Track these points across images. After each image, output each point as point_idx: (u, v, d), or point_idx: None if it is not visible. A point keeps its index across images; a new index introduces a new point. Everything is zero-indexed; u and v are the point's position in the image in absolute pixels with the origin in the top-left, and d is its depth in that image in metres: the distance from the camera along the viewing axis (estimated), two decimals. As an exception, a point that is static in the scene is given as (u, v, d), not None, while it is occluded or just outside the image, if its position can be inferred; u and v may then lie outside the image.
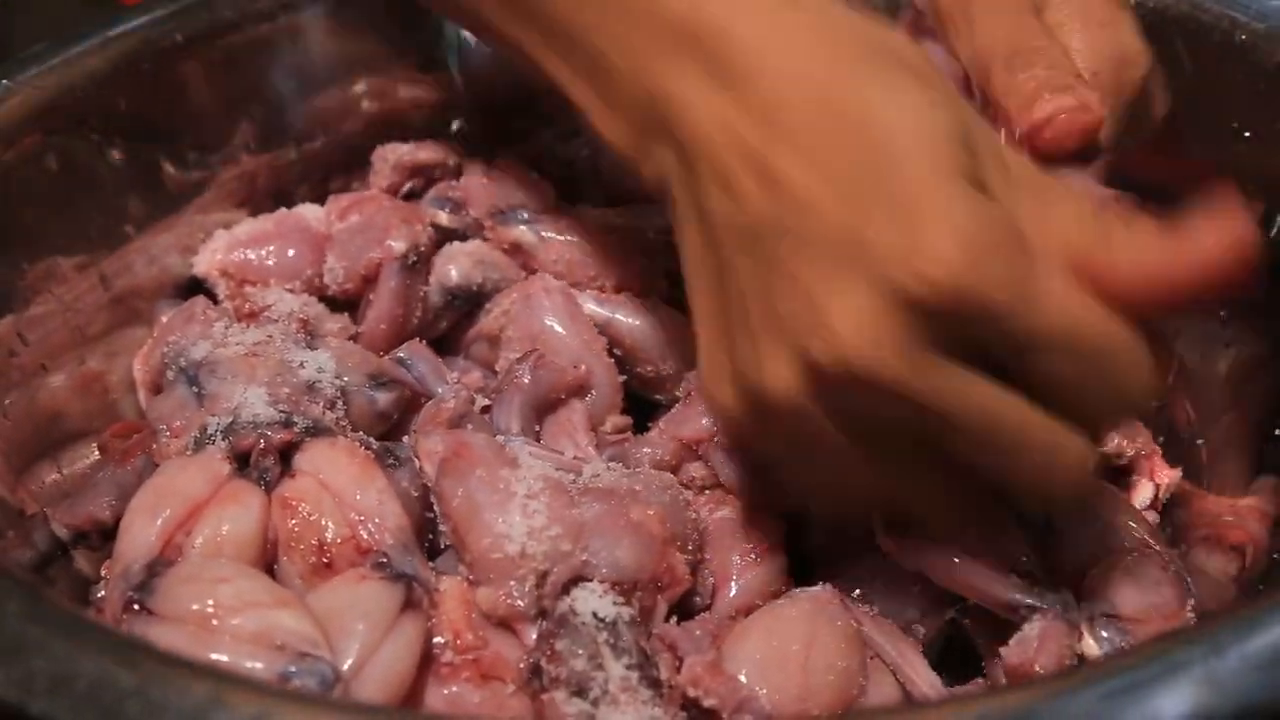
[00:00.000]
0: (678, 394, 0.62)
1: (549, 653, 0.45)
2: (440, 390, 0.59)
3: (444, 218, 0.69)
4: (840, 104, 0.42)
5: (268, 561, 0.49)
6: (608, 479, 0.51)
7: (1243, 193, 0.42)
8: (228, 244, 0.67)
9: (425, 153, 0.72)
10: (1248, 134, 0.62)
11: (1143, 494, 0.57)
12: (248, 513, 0.49)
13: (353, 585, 0.46)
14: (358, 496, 0.49)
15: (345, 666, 0.43)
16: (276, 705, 0.37)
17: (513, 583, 0.47)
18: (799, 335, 0.42)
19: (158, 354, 0.59)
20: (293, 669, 0.41)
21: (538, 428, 0.58)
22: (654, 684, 0.44)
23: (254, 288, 0.64)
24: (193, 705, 0.36)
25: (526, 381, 0.57)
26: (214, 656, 0.42)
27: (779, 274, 0.42)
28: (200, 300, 0.62)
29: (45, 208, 0.63)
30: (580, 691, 0.44)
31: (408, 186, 0.72)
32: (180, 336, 0.58)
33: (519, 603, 0.46)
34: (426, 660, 0.45)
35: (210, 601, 0.44)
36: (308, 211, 0.69)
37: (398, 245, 0.64)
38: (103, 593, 0.50)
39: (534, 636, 0.46)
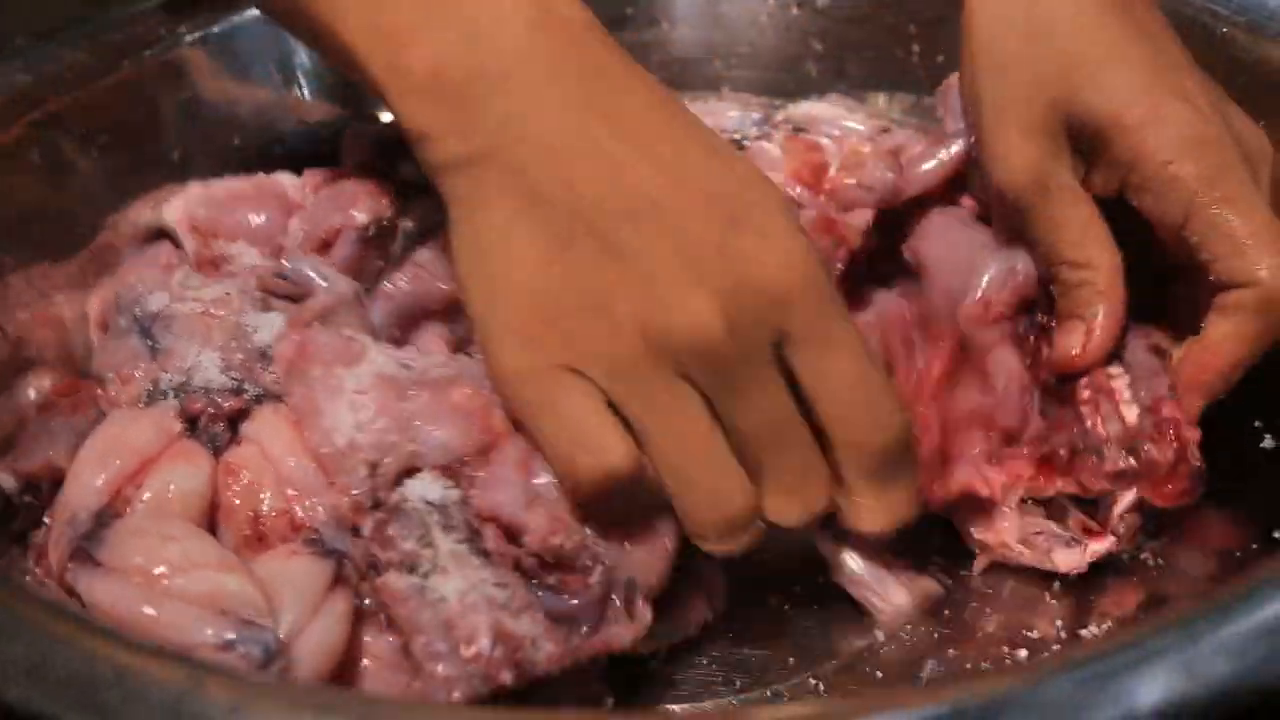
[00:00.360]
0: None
1: (381, 539, 0.47)
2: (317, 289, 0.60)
3: (413, 172, 0.69)
4: None
5: (209, 526, 0.50)
6: (434, 372, 0.53)
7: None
8: (201, 197, 0.67)
9: (397, 130, 0.72)
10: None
11: (1127, 497, 0.57)
12: (198, 473, 0.50)
13: (284, 559, 0.47)
14: (291, 463, 0.50)
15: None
16: (253, 696, 0.38)
17: (346, 476, 0.49)
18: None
19: (110, 294, 0.60)
20: (234, 636, 0.43)
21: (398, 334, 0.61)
22: (483, 554, 0.48)
23: (222, 240, 0.64)
24: (171, 695, 0.37)
25: (397, 288, 0.62)
26: (155, 613, 0.43)
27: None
28: (165, 246, 0.63)
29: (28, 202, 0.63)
30: (411, 568, 0.47)
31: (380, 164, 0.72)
32: (138, 280, 0.59)
33: (355, 494, 0.49)
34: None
35: (157, 557, 0.45)
36: (285, 180, 0.69)
37: (360, 216, 0.65)
38: (38, 539, 0.50)
39: (367, 528, 0.48)
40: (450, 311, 0.62)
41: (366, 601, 0.47)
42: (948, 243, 0.62)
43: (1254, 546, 0.55)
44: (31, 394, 0.58)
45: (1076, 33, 0.55)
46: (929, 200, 0.64)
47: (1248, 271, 0.52)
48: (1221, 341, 0.54)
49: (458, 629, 0.45)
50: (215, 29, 0.71)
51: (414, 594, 0.46)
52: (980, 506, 0.57)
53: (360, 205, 0.65)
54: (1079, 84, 0.54)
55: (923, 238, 0.63)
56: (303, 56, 0.74)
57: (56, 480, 0.53)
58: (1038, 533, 0.57)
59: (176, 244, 0.65)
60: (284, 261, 0.61)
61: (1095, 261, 0.55)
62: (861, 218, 0.63)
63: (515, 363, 0.49)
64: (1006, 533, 0.57)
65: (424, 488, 0.49)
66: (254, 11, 0.72)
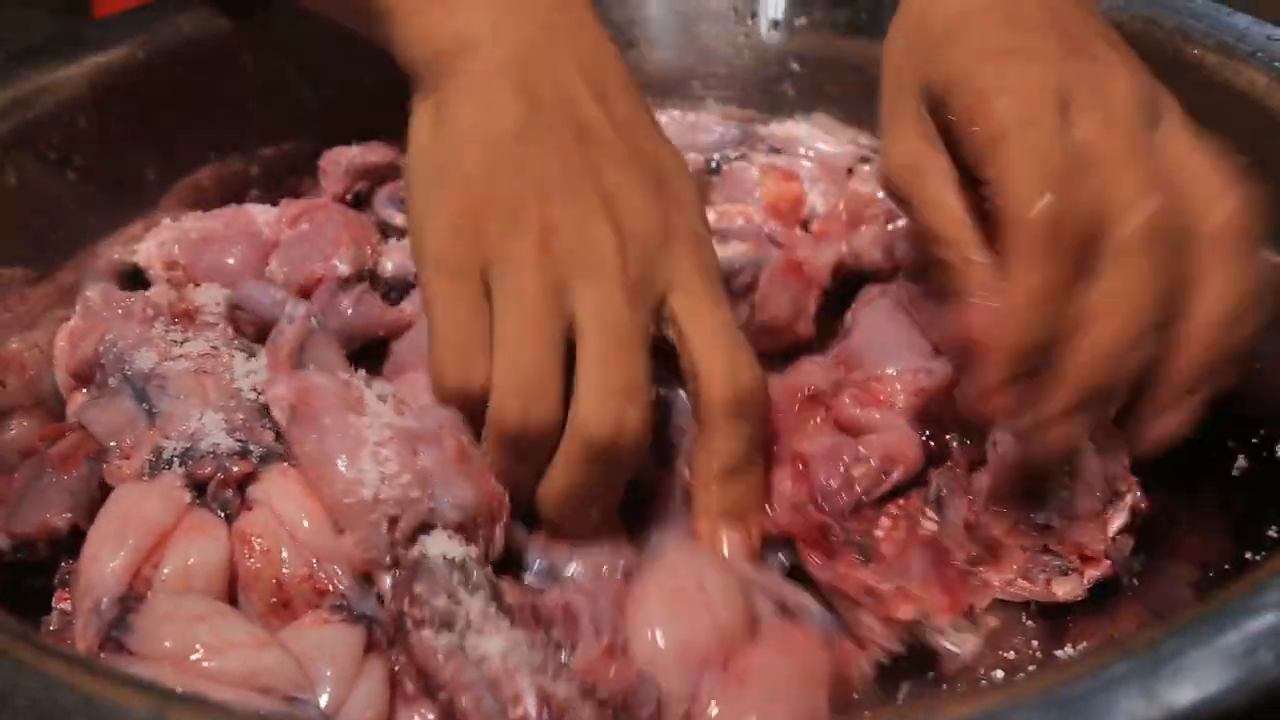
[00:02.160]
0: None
1: (409, 597, 0.47)
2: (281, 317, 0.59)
3: (399, 218, 0.69)
4: None
5: (229, 596, 0.50)
6: (426, 421, 0.53)
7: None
8: (175, 237, 0.67)
9: (374, 154, 0.73)
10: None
11: (1119, 519, 0.57)
12: (215, 545, 0.49)
13: (316, 629, 0.47)
14: (306, 525, 0.50)
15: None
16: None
17: (365, 531, 0.49)
18: None
19: (90, 345, 0.59)
20: (279, 714, 0.43)
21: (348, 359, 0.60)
22: (508, 611, 0.48)
23: (193, 287, 0.64)
24: (137, 722, 0.36)
25: (347, 309, 0.63)
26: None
27: None
28: (140, 298, 0.62)
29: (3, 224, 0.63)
30: (446, 625, 0.47)
31: (357, 188, 0.73)
32: (118, 336, 0.58)
33: (376, 551, 0.49)
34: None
35: (190, 640, 0.44)
36: (258, 213, 0.69)
37: (342, 267, 0.65)
38: (55, 626, 0.50)
39: (387, 583, 0.49)
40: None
41: (396, 667, 0.47)
42: (876, 325, 0.63)
43: (1226, 568, 0.56)
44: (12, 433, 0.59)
45: (952, 19, 0.55)
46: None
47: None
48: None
49: (504, 689, 0.45)
50: (193, 44, 0.71)
51: (455, 652, 0.46)
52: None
53: (342, 253, 0.65)
54: (935, 60, 0.54)
55: (859, 309, 0.65)
56: (277, 75, 0.74)
57: (53, 541, 0.53)
58: (1035, 565, 0.57)
59: (146, 286, 0.65)
60: (238, 291, 0.61)
61: (964, 240, 0.53)
62: (829, 255, 0.64)
63: (438, 247, 0.53)
64: (1008, 571, 0.57)
65: (442, 545, 0.49)
66: (229, 27, 0.72)
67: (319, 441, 0.50)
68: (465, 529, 0.51)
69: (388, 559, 0.49)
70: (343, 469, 0.49)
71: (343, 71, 0.75)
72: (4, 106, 0.64)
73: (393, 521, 0.49)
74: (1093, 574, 0.57)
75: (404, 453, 0.50)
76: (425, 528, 0.50)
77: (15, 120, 0.64)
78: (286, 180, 0.75)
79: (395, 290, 0.68)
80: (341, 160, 0.73)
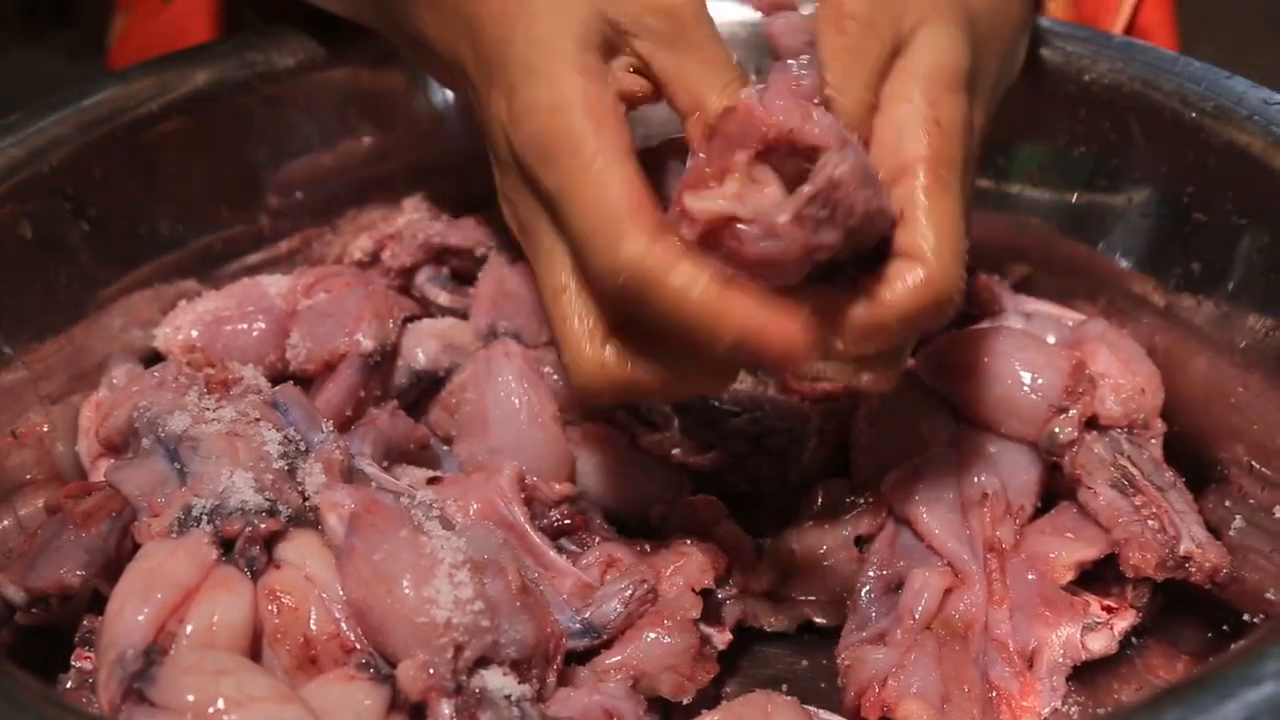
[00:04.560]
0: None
1: None
2: (315, 438, 0.59)
3: (444, 298, 0.69)
4: None
5: (253, 652, 0.49)
6: (484, 548, 0.52)
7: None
8: (191, 320, 0.67)
9: (456, 236, 0.72)
10: (1198, 213, 0.64)
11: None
12: (240, 601, 0.49)
13: (339, 684, 0.47)
14: (340, 590, 0.50)
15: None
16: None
17: (433, 655, 0.47)
18: None
19: (123, 413, 0.59)
20: None
21: (385, 463, 0.61)
22: None
23: (213, 369, 0.63)
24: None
25: (383, 423, 0.62)
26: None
27: None
28: (171, 366, 0.62)
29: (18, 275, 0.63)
30: None
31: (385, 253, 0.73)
32: (152, 403, 0.58)
33: (442, 678, 0.47)
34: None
35: (212, 693, 0.44)
36: (269, 285, 0.70)
37: (366, 343, 0.65)
38: (72, 684, 0.50)
39: (447, 712, 0.47)
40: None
41: None
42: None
43: (1225, 629, 0.56)
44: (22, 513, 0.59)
45: None
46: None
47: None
48: None
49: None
50: (203, 100, 0.72)
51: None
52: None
53: (366, 328, 0.65)
54: None
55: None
56: (290, 129, 0.75)
57: (66, 597, 0.53)
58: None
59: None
60: (277, 394, 0.60)
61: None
62: None
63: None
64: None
65: (500, 681, 0.49)
66: (243, 80, 0.73)
67: (389, 554, 0.49)
68: (519, 667, 0.50)
69: (451, 686, 0.47)
70: (412, 588, 0.48)
71: (354, 128, 0.76)
72: (20, 159, 0.64)
73: (458, 649, 0.48)
74: (1121, 625, 0.59)
75: (477, 580, 0.49)
76: (484, 661, 0.49)
77: (30, 172, 0.64)
78: (296, 234, 0.75)
79: (424, 380, 0.68)
80: (420, 235, 0.72)
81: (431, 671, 0.47)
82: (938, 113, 0.52)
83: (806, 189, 0.44)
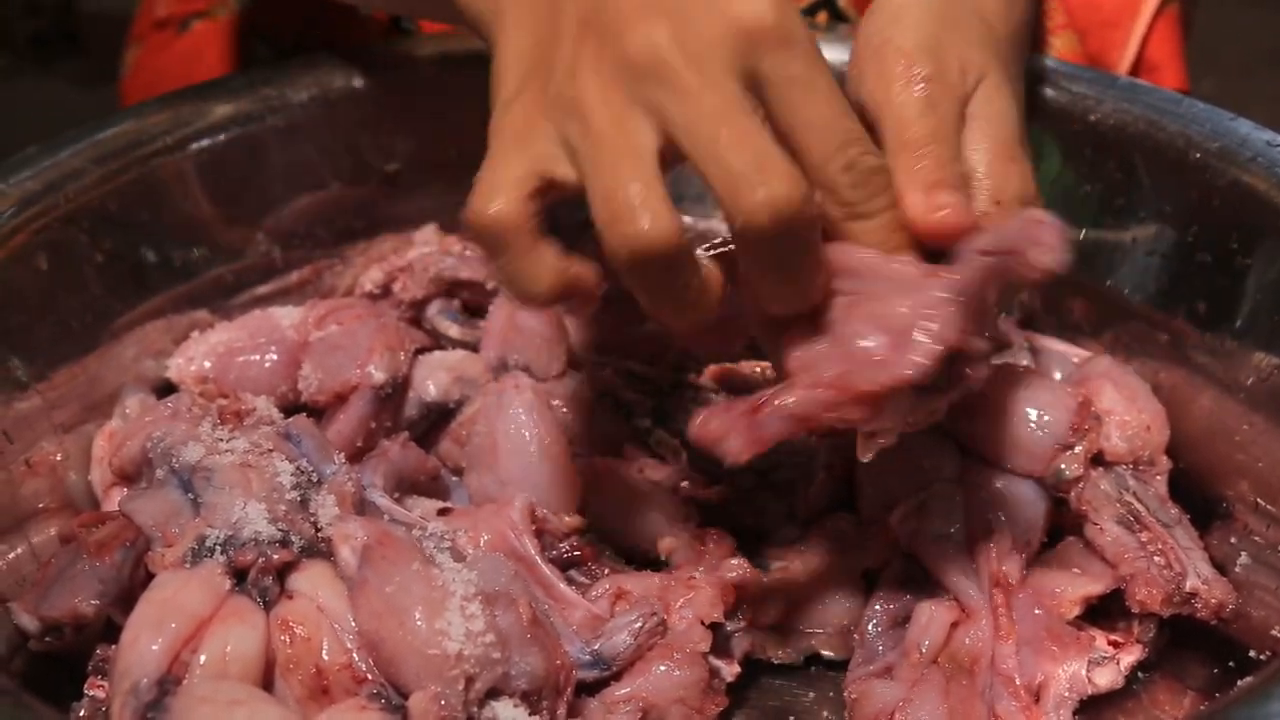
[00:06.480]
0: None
1: None
2: (328, 469, 0.59)
3: (455, 331, 0.70)
4: None
5: (266, 682, 0.50)
6: (495, 581, 0.52)
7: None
8: (203, 352, 0.68)
9: (468, 270, 0.73)
10: (1203, 252, 0.65)
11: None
12: (253, 632, 0.50)
13: (353, 715, 0.48)
14: (352, 621, 0.50)
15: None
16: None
17: (445, 686, 0.48)
18: None
19: (137, 443, 0.60)
20: None
21: (396, 494, 0.61)
22: None
23: (226, 400, 0.64)
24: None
25: (394, 454, 0.62)
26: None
27: None
28: (184, 397, 0.63)
29: (34, 305, 0.64)
30: None
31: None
32: (166, 433, 0.59)
33: (454, 710, 0.48)
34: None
35: None
36: (280, 316, 0.70)
37: (377, 375, 0.66)
38: (85, 713, 0.50)
39: None
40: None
41: None
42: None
43: (1231, 665, 0.57)
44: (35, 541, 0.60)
45: None
46: None
47: None
48: None
49: None
50: (221, 130, 0.73)
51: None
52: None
53: (377, 360, 0.65)
54: None
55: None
56: (304, 162, 0.75)
57: (80, 625, 0.53)
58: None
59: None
60: (291, 431, 0.60)
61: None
62: None
63: (507, 93, 0.51)
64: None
65: (510, 713, 0.49)
66: (257, 113, 0.73)
67: (401, 587, 0.50)
68: (530, 698, 0.50)
69: (463, 717, 0.48)
70: (424, 620, 0.49)
71: (369, 159, 0.76)
72: (36, 191, 0.65)
73: (469, 681, 0.48)
74: (1128, 660, 0.58)
75: (488, 610, 0.50)
76: (495, 693, 0.49)
77: (47, 204, 0.65)
78: (307, 265, 0.76)
79: (435, 412, 0.68)
80: (431, 268, 0.73)
81: (443, 703, 0.48)
82: (998, 191, 0.56)
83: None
